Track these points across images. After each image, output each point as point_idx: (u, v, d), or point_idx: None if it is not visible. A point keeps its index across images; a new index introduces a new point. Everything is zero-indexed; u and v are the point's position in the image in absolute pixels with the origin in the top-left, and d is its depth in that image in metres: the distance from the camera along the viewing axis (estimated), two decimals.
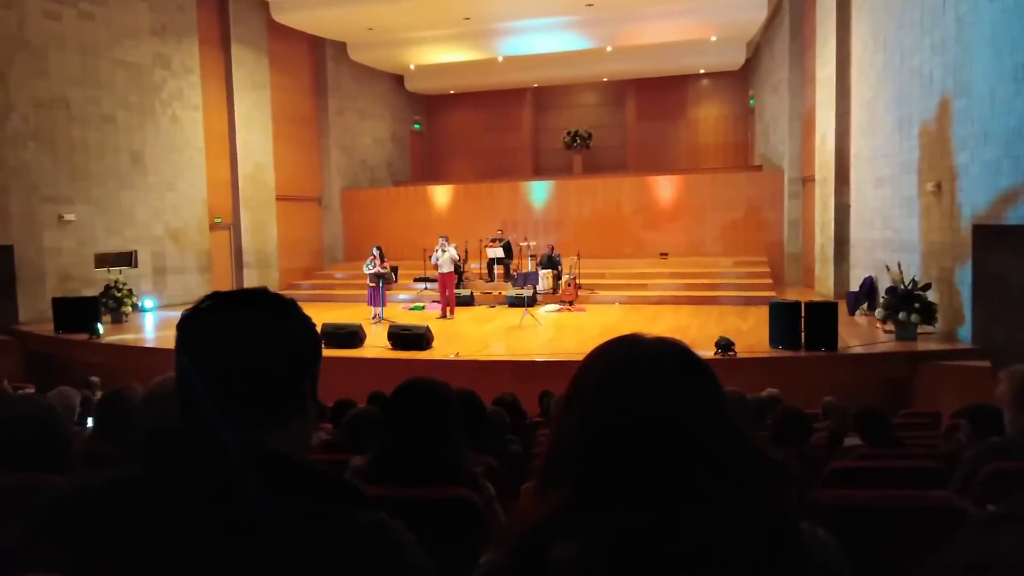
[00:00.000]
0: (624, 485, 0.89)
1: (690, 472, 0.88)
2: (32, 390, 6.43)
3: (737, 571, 0.82)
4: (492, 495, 2.11)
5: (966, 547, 0.97)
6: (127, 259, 13.51)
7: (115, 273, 13.15)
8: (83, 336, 10.96)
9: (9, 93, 12.20)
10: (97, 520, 0.88)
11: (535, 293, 14.08)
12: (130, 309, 12.85)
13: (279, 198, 18.59)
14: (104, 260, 13.20)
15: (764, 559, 0.84)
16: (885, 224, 11.60)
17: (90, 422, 4.33)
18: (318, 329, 1.09)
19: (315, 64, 20.34)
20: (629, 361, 0.97)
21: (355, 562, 0.87)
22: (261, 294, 1.04)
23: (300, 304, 1.08)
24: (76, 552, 0.86)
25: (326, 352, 11.24)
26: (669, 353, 0.98)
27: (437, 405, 2.09)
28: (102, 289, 12.65)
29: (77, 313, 11.28)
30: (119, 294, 12.73)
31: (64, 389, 4.71)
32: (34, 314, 12.37)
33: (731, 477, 0.88)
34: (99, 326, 11.11)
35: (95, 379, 7.33)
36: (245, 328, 0.97)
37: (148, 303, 13.96)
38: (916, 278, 9.35)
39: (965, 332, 8.74)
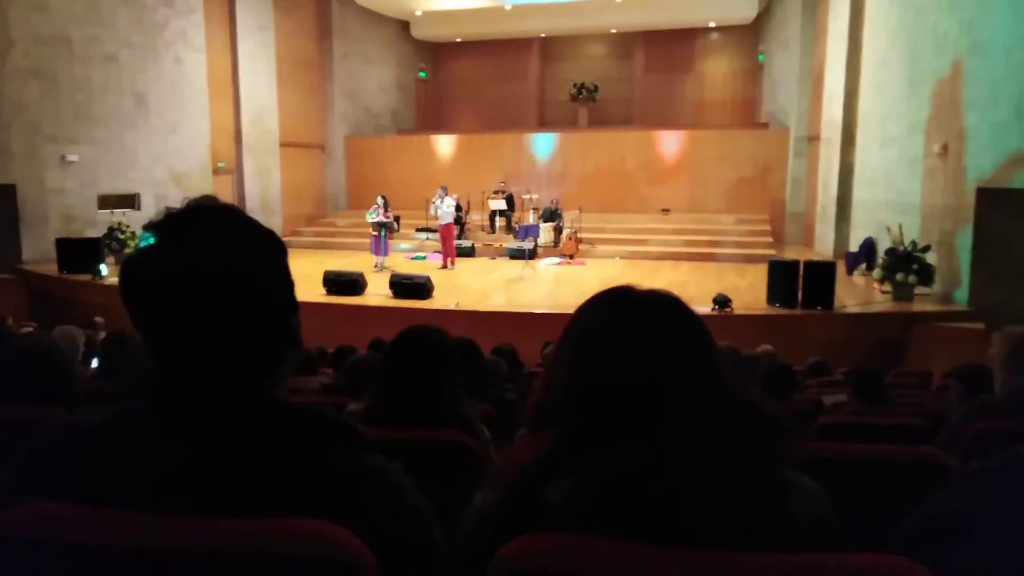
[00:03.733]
0: (614, 427, 0.92)
1: (679, 416, 0.91)
2: (34, 328, 6.49)
3: (725, 509, 0.86)
4: (487, 438, 2.17)
5: (950, 499, 1.01)
6: (130, 201, 13.50)
7: (118, 215, 13.14)
8: (86, 277, 11.01)
9: (9, 29, 12.01)
10: (98, 453, 0.90)
11: (536, 246, 14.07)
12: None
13: (283, 144, 18.41)
14: (107, 202, 13.19)
15: (750, 499, 0.87)
16: (889, 185, 11.53)
17: (94, 361, 4.40)
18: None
19: (320, 6, 19.94)
20: (621, 309, 1.00)
21: (353, 503, 0.89)
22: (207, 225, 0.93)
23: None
24: (77, 483, 0.88)
25: (328, 299, 11.17)
26: (659, 303, 1.01)
27: (437, 351, 2.13)
28: (105, 231, 12.66)
29: (80, 254, 11.32)
30: (122, 236, 12.74)
31: (68, 328, 4.75)
32: (37, 254, 12.40)
33: (719, 422, 0.91)
34: (102, 267, 11.15)
35: (99, 319, 7.39)
36: (220, 267, 0.91)
37: None
38: (916, 240, 9.34)
39: (962, 295, 8.77)
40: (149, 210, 14.41)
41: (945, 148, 9.31)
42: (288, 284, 0.99)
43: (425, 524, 0.96)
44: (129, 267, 0.93)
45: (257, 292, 0.93)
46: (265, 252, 0.96)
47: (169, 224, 0.93)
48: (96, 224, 13.06)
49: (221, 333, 0.91)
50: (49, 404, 2.11)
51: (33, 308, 11.04)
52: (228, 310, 0.91)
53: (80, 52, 13.18)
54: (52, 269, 11.57)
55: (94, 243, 11.69)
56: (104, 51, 13.62)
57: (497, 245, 15.45)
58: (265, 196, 17.84)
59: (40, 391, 2.18)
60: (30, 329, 6.26)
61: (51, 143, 12.75)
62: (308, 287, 9.83)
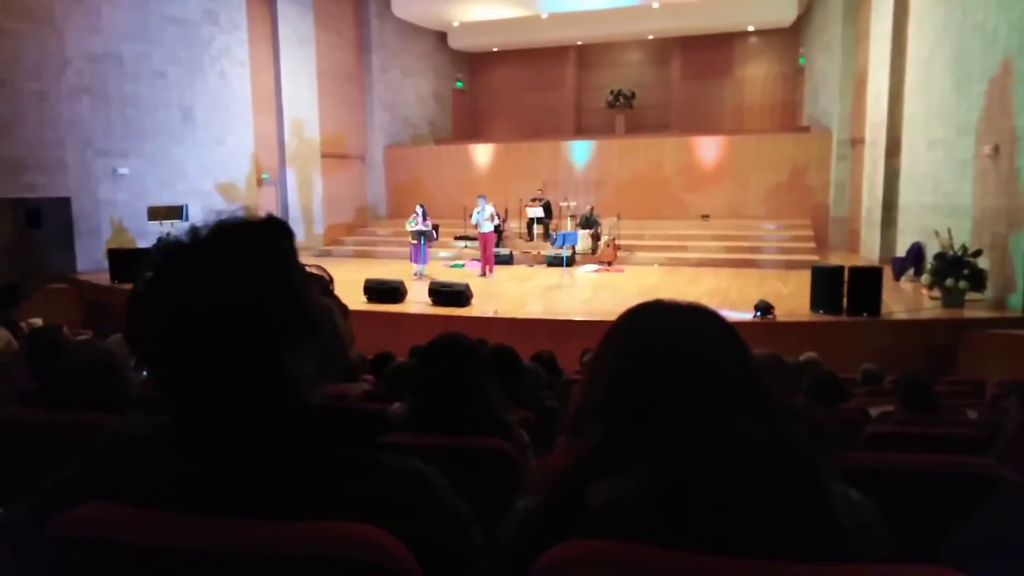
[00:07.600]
0: (651, 427, 0.92)
1: (716, 414, 0.91)
2: (89, 336, 6.67)
3: (770, 512, 0.85)
4: (526, 442, 2.18)
5: (1006, 511, 0.98)
6: (178, 212, 13.84)
7: (167, 226, 13.50)
8: None
9: (64, 47, 12.46)
10: (149, 458, 0.93)
11: (574, 253, 14.04)
12: None
13: (324, 155, 18.74)
14: (156, 213, 13.56)
15: (796, 499, 0.86)
16: (936, 188, 11.26)
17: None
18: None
19: (359, 20, 20.27)
20: (656, 315, 1.03)
21: (389, 507, 0.89)
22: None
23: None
24: (130, 486, 0.91)
25: (369, 307, 11.28)
26: (693, 309, 1.04)
27: (463, 359, 2.15)
28: (155, 241, 13.01)
29: (132, 264, 11.66)
30: None
31: (121, 336, 4.89)
32: (91, 264, 12.83)
33: (755, 419, 0.91)
34: None
35: None
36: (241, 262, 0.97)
37: None
38: (966, 244, 9.09)
39: (1016, 300, 8.51)
40: (196, 221, 14.74)
41: (996, 149, 9.06)
42: (301, 305, 0.95)
43: (465, 527, 0.97)
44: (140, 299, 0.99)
45: (269, 322, 0.91)
46: (276, 280, 0.96)
47: (182, 251, 0.98)
48: (146, 235, 13.45)
49: (243, 356, 0.90)
50: (105, 410, 2.16)
51: (87, 316, 11.36)
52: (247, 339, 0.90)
53: (130, 69, 13.61)
54: (105, 279, 11.93)
55: (144, 253, 12.02)
56: (153, 68, 14.04)
57: (535, 252, 15.46)
58: (307, 207, 18.16)
59: (96, 397, 2.23)
60: (85, 337, 6.44)
61: (103, 157, 13.18)
62: (349, 295, 9.94)
